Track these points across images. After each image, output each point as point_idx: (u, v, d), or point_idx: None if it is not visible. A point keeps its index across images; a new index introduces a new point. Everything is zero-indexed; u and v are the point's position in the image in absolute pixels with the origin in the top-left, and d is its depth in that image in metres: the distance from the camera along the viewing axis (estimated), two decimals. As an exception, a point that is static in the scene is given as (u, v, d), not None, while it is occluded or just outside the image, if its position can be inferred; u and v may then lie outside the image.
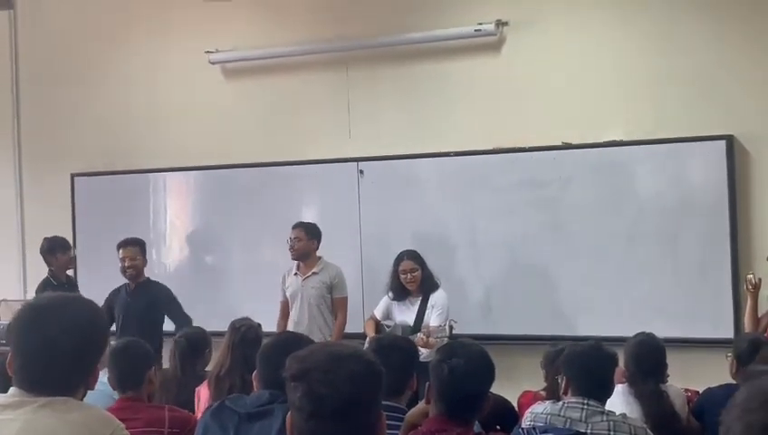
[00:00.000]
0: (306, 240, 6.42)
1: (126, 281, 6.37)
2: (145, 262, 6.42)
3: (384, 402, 3.21)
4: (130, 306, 6.24)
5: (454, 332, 5.64)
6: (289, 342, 3.06)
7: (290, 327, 6.33)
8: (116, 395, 3.96)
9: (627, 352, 4.34)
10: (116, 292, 6.36)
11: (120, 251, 6.35)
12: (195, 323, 5.29)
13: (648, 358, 4.29)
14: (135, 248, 6.36)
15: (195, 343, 4.83)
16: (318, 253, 6.50)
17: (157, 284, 6.44)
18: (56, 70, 8.20)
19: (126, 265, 6.30)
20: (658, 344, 4.37)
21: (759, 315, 5.54)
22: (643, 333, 4.44)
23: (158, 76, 7.87)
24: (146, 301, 6.27)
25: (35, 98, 8.32)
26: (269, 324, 6.33)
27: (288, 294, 6.51)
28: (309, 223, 6.54)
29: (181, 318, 6.12)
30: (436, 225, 6.83)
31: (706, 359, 5.56)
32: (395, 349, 3.49)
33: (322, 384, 1.79)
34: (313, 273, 6.43)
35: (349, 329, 6.42)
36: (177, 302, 6.31)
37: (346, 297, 6.48)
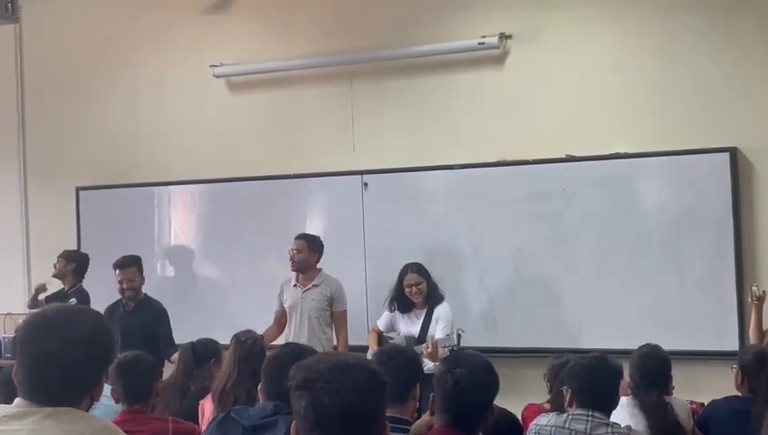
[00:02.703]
0: (307, 252, 6.42)
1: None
2: (143, 280, 6.40)
3: (389, 414, 3.24)
4: (131, 325, 6.19)
5: (461, 341, 5.62)
6: (293, 353, 3.07)
7: (288, 340, 6.31)
8: (118, 408, 3.97)
9: (632, 364, 4.33)
10: (113, 310, 6.32)
11: (117, 272, 6.33)
12: (200, 335, 5.27)
13: (653, 369, 4.28)
14: (132, 269, 6.34)
15: (200, 353, 4.83)
16: (320, 265, 6.50)
17: (156, 303, 6.43)
18: (61, 83, 8.23)
19: (124, 286, 6.31)
20: (663, 356, 4.36)
21: (764, 328, 5.53)
22: (648, 344, 4.44)
23: (163, 90, 7.90)
24: (146, 319, 6.28)
25: (40, 112, 8.35)
26: (273, 337, 6.36)
27: (287, 306, 6.49)
28: (311, 235, 6.54)
29: (170, 347, 6.10)
30: (440, 237, 6.83)
31: (711, 371, 5.56)
32: (395, 356, 3.50)
33: (327, 394, 1.79)
34: (314, 285, 6.41)
35: (352, 342, 6.41)
36: (170, 329, 6.33)
37: (346, 310, 6.47)
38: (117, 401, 3.98)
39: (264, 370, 3.16)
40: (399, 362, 3.42)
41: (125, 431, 3.55)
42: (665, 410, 4.21)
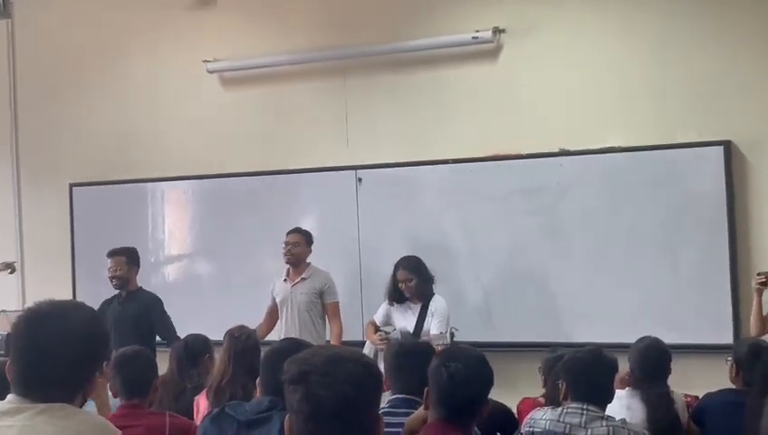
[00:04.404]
0: (304, 246, 6.46)
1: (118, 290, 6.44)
2: (133, 271, 6.44)
3: (404, 396, 3.27)
4: (121, 316, 6.25)
5: (455, 339, 5.63)
6: (292, 348, 3.06)
7: (279, 334, 6.32)
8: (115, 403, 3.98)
9: (634, 356, 4.35)
10: (108, 302, 6.39)
11: (108, 261, 6.42)
12: (194, 332, 5.26)
13: (658, 361, 4.31)
14: (120, 258, 6.40)
15: (193, 350, 4.83)
16: (312, 259, 6.51)
17: (148, 294, 6.46)
18: (54, 79, 8.21)
19: (109, 274, 6.39)
20: (665, 348, 4.40)
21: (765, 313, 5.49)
22: (649, 337, 4.45)
23: (156, 85, 7.88)
24: (136, 310, 6.31)
25: (33, 108, 8.32)
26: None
27: (278, 301, 6.50)
28: (305, 229, 6.57)
29: (168, 333, 6.16)
30: (434, 232, 6.82)
31: (705, 364, 5.55)
32: (415, 353, 3.54)
33: (321, 386, 1.79)
34: (302, 278, 6.43)
35: (346, 336, 6.41)
36: (165, 316, 6.31)
37: (338, 302, 6.48)
38: (115, 396, 3.99)
39: (263, 364, 3.17)
40: (416, 360, 3.49)
41: (122, 425, 3.56)
42: (668, 402, 4.23)
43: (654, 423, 4.09)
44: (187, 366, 4.76)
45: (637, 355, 4.35)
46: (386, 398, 3.54)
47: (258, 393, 3.19)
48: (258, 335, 5.77)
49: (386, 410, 3.38)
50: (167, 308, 6.42)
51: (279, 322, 6.52)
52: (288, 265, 6.50)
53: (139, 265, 6.52)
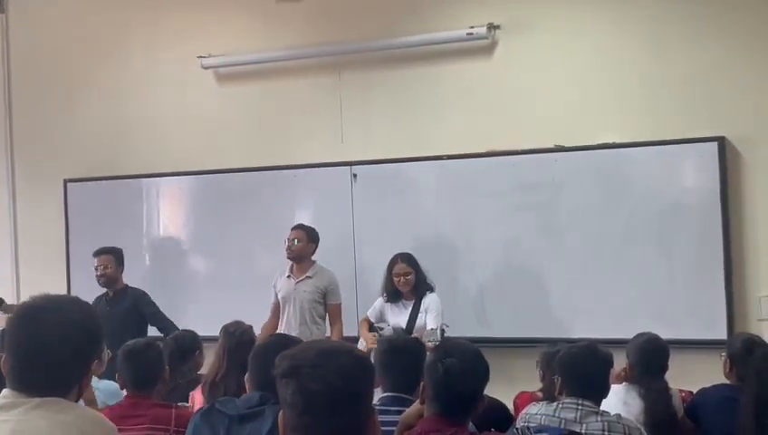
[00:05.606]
0: (305, 242, 6.41)
1: (104, 290, 6.53)
2: (119, 270, 6.55)
3: (397, 394, 3.27)
4: (110, 314, 6.24)
5: (445, 335, 5.63)
6: (280, 343, 3.05)
7: (281, 330, 6.31)
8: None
9: (633, 351, 4.35)
10: (97, 302, 6.37)
11: (95, 260, 6.53)
12: (190, 328, 5.27)
13: (657, 357, 4.32)
14: (107, 257, 6.52)
15: (183, 346, 4.84)
16: (314, 257, 6.49)
17: (134, 290, 6.54)
18: (49, 75, 8.19)
19: (98, 273, 6.50)
20: (664, 344, 4.41)
21: None
22: (648, 332, 4.46)
23: (151, 81, 7.87)
24: (125, 307, 6.39)
25: (28, 103, 8.31)
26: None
27: (280, 297, 6.47)
28: (309, 226, 6.52)
29: (165, 323, 6.31)
30: (429, 228, 6.83)
31: (700, 360, 5.56)
32: (405, 350, 3.54)
33: (313, 380, 1.79)
34: (307, 276, 6.39)
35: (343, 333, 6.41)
36: (156, 307, 6.45)
37: (340, 304, 6.46)
38: (122, 387, 4.06)
39: (251, 360, 3.15)
40: (408, 358, 3.55)
41: (128, 415, 3.58)
42: (666, 398, 4.23)
43: (652, 418, 4.10)
44: (179, 362, 4.77)
45: (636, 351, 4.36)
46: (376, 396, 3.54)
47: (247, 389, 3.18)
48: (266, 334, 5.78)
49: (377, 408, 3.39)
50: (161, 304, 6.48)
51: (280, 317, 6.48)
52: (291, 261, 6.47)
53: (123, 266, 6.62)
